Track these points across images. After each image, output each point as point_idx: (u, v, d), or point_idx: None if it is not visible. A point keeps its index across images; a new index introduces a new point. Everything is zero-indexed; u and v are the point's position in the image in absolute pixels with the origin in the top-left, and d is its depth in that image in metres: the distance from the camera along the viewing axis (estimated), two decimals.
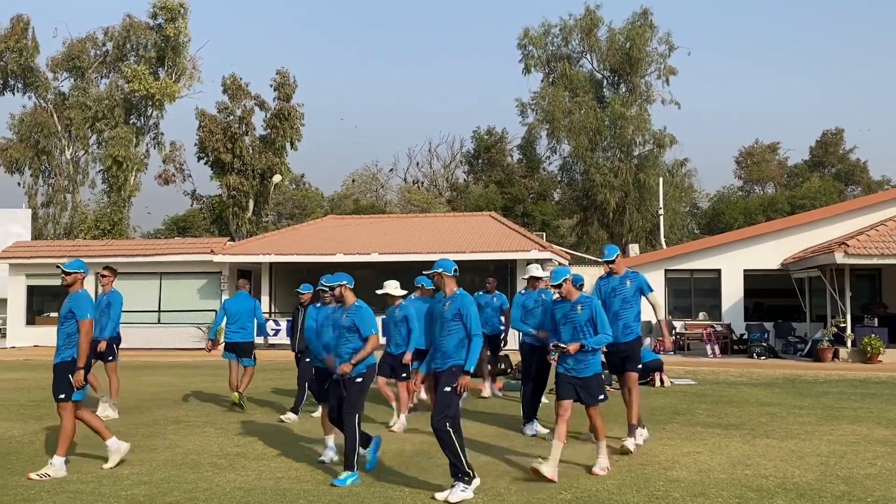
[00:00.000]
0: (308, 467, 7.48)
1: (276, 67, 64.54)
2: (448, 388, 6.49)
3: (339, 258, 24.23)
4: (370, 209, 46.42)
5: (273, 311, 25.74)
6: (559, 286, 7.31)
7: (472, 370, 6.55)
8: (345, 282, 7.32)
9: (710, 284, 23.74)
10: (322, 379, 7.96)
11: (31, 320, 26.56)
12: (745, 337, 21.69)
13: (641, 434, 8.47)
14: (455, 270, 6.86)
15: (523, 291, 9.88)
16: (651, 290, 8.58)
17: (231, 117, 43.60)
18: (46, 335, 26.01)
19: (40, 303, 27.25)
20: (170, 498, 6.34)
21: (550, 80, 45.98)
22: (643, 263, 24.31)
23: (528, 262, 24.02)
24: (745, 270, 23.23)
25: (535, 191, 48.15)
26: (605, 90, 46.47)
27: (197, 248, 26.50)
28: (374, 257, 23.99)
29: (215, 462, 7.72)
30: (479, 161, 50.78)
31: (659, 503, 6.18)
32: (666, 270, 23.90)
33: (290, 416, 10.24)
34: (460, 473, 6.30)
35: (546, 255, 23.41)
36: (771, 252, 23.05)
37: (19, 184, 45.11)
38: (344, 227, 29.57)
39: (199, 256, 25.29)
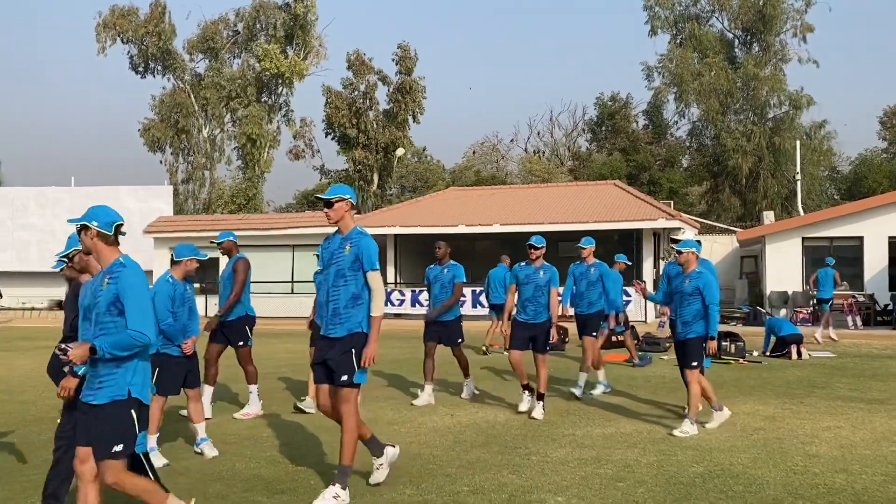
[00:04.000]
0: (436, 434, 7.64)
1: (397, 41, 65.34)
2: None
3: (461, 229, 24.43)
4: (491, 180, 46.40)
5: (398, 281, 26.33)
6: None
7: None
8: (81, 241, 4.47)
9: (851, 252, 22.46)
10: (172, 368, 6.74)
11: None
12: (890, 308, 20.45)
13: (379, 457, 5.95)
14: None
15: (671, 260, 9.27)
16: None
17: (356, 93, 44.53)
18: None
19: None
20: (308, 460, 6.64)
21: (678, 41, 44.45)
22: (779, 231, 23.30)
23: (655, 231, 23.51)
24: (889, 237, 21.83)
25: (662, 157, 46.80)
26: (736, 50, 44.49)
27: (326, 221, 27.36)
28: (496, 228, 24.04)
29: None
30: (603, 128, 49.77)
31: (798, 479, 5.95)
32: (803, 238, 22.81)
33: None
34: None
35: (674, 223, 22.78)
36: None
37: (161, 162, 47.92)
38: (465, 198, 29.73)
39: (328, 229, 26.06)
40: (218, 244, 8.41)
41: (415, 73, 44.57)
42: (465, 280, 9.35)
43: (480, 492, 5.67)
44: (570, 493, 5.61)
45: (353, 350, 5.52)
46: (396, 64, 44.41)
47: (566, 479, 6.00)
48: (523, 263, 8.66)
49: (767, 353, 13.96)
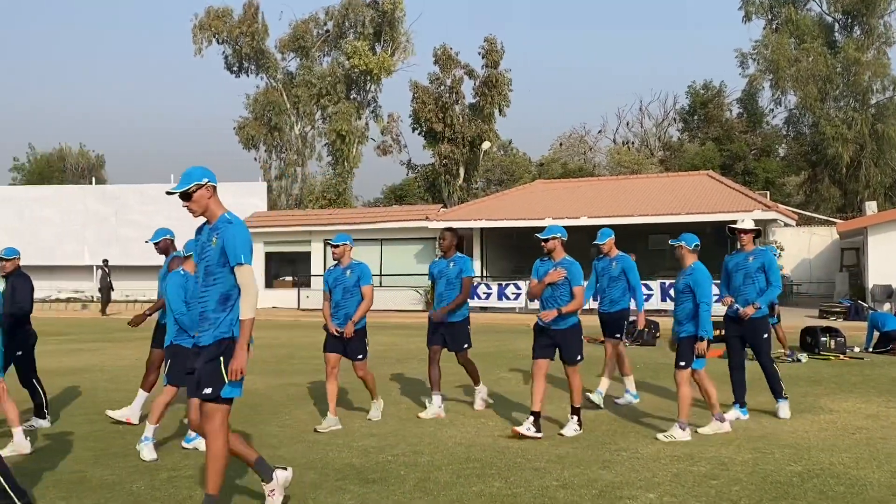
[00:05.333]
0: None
1: (483, 34, 65.27)
2: None
3: (548, 222, 24.22)
4: (578, 172, 45.92)
5: (484, 275, 26.38)
6: None
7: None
8: None
9: None
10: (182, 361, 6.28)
11: (269, 284, 29.08)
12: None
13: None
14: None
15: (732, 252, 8.34)
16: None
17: (442, 87, 44.73)
18: (283, 297, 28.41)
19: (277, 267, 29.84)
20: (397, 450, 6.73)
21: (774, 26, 42.97)
22: (883, 222, 22.28)
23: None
24: None
25: (757, 147, 45.41)
26: (836, 34, 42.67)
27: (413, 215, 27.72)
28: (584, 221, 23.76)
29: (437, 418, 8.08)
30: (695, 117, 48.64)
31: None
32: None
33: (39, 422, 7.94)
34: None
35: (770, 215, 22.08)
36: None
37: (255, 159, 49.31)
38: (552, 190, 29.53)
39: (415, 223, 26.43)
40: (155, 244, 7.76)
41: (501, 66, 44.47)
42: (473, 274, 8.43)
43: (570, 487, 5.63)
44: (661, 490, 5.53)
45: (222, 358, 4.66)
46: (483, 57, 44.39)
47: (658, 475, 5.90)
48: (545, 258, 7.40)
49: (870, 349, 13.42)
